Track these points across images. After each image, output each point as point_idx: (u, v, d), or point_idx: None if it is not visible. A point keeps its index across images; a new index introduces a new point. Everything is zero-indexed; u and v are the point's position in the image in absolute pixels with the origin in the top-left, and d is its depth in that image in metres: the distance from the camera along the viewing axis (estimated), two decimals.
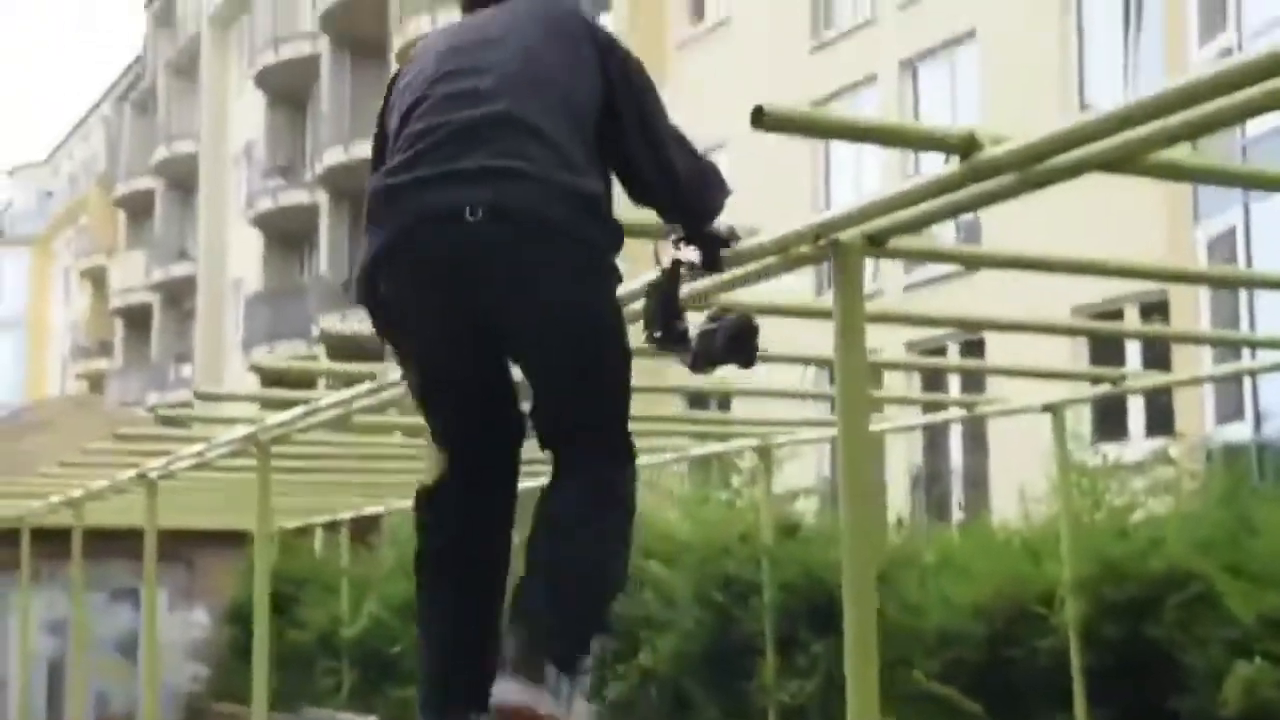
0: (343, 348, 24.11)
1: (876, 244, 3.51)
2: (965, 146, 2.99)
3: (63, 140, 54.89)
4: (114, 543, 13.58)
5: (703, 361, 3.41)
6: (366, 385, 6.21)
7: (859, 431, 3.47)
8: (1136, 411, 13.73)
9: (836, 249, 3.45)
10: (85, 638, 12.97)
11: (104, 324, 45.13)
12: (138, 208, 42.50)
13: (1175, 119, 2.75)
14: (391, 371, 6.16)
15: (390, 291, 2.97)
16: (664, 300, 3.35)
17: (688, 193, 3.25)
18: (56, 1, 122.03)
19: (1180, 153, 3.31)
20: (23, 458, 15.28)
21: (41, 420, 17.90)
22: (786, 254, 3.61)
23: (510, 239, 2.84)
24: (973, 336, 15.07)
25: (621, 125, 3.11)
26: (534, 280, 2.87)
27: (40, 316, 54.06)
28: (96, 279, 45.87)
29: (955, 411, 9.02)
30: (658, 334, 3.35)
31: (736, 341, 3.41)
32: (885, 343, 14.73)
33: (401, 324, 3.03)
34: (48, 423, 17.65)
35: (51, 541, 12.41)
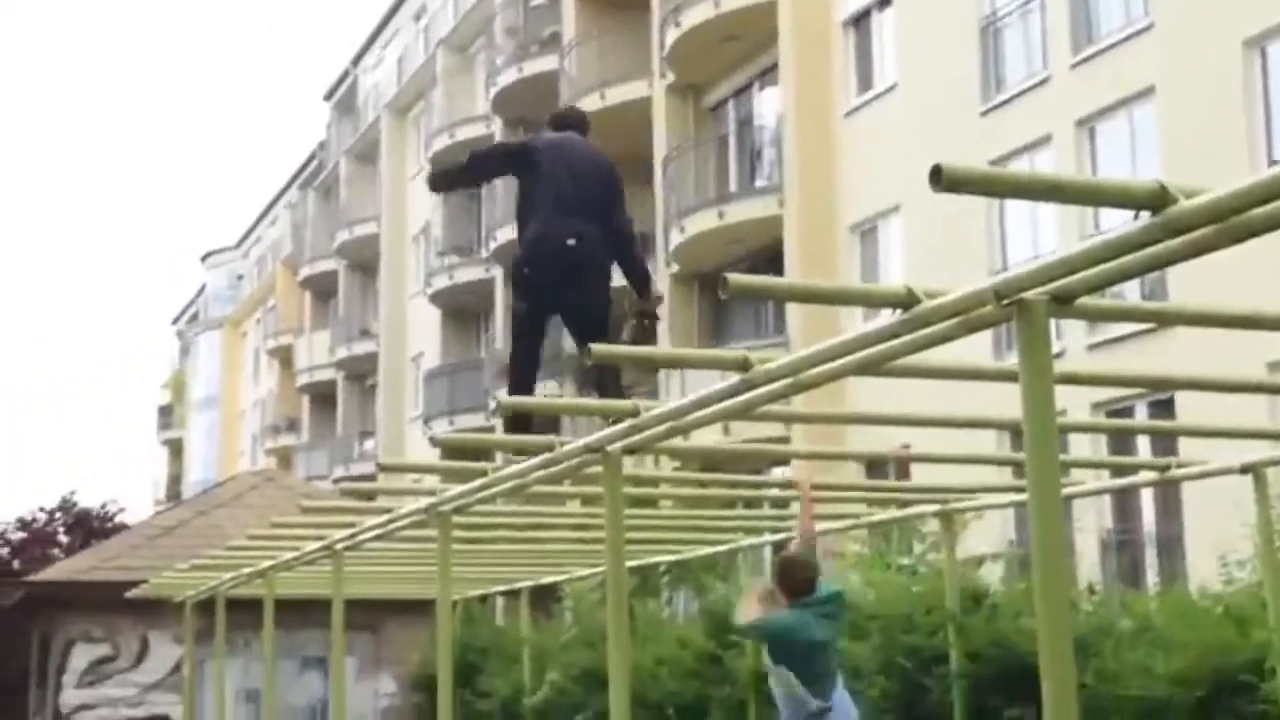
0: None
1: (1062, 303, 3.42)
2: (1156, 201, 2.91)
3: (251, 226, 57.07)
4: (303, 613, 13.92)
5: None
6: (542, 456, 6.26)
7: (1050, 497, 3.37)
8: None
9: (1021, 309, 3.37)
10: (277, 706, 13.27)
11: (291, 402, 46.60)
12: (322, 289, 43.95)
13: None
14: (567, 441, 6.21)
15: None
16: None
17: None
18: (240, 93, 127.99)
19: None
20: (216, 532, 15.82)
21: (233, 496, 18.51)
22: (969, 315, 3.55)
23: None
24: (1161, 395, 14.59)
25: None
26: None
27: (232, 396, 56.03)
28: (284, 358, 47.44)
29: (1147, 475, 8.69)
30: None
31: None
32: (1070, 404, 14.34)
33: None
34: (239, 498, 18.24)
35: (245, 612, 12.75)
